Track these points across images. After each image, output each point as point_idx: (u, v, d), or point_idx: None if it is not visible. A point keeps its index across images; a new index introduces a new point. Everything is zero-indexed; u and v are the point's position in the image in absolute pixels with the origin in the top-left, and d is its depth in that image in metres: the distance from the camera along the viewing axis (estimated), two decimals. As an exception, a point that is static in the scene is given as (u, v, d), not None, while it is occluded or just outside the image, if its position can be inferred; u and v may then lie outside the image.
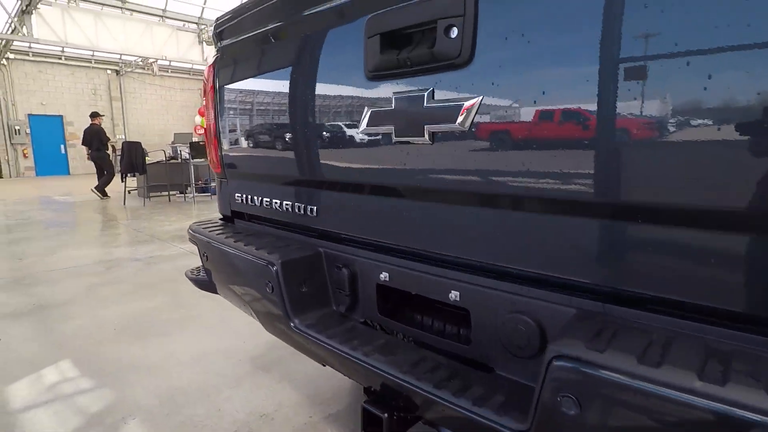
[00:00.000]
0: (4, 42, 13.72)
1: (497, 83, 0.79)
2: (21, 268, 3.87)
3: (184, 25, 15.77)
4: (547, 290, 0.80)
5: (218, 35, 1.53)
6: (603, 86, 0.67)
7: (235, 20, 1.42)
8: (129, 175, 8.19)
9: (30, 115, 15.76)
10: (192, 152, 8.19)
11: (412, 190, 0.99)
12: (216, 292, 1.53)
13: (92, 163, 9.17)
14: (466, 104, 0.83)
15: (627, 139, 0.66)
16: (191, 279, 1.58)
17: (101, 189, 8.70)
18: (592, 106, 0.68)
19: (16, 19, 12.22)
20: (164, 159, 8.82)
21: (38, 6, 11.98)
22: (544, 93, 0.74)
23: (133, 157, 8.03)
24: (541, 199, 0.78)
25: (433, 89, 0.88)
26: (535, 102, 0.75)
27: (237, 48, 1.45)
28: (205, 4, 15.05)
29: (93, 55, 16.41)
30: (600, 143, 0.69)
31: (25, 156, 15.77)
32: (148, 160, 8.49)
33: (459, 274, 0.92)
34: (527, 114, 0.77)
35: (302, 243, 1.27)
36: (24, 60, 15.47)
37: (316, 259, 1.21)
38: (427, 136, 0.89)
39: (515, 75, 0.78)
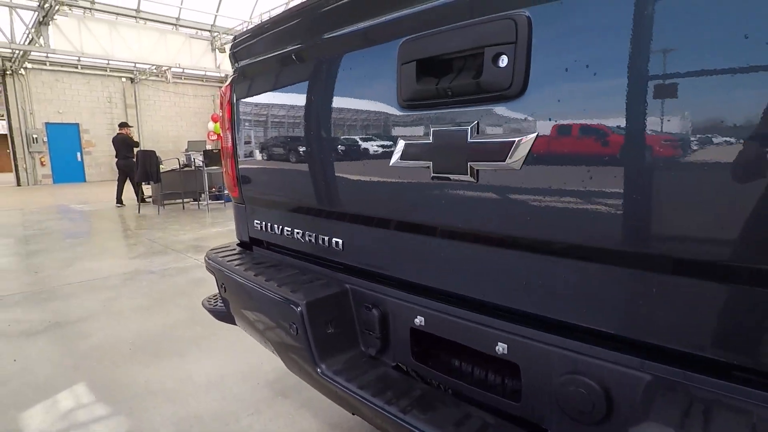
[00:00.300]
0: (21, 53, 13.98)
1: (555, 119, 0.71)
2: (37, 282, 3.87)
3: (197, 32, 15.90)
4: (614, 350, 0.71)
5: (236, 55, 1.46)
6: (692, 122, 0.58)
7: (255, 40, 1.35)
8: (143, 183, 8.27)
9: (47, 124, 16.03)
10: (206, 160, 8.21)
11: (454, 231, 0.90)
12: (234, 324, 1.46)
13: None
14: (518, 141, 0.74)
15: (709, 190, 0.57)
16: (208, 309, 1.51)
17: (141, 197, 8.82)
18: (670, 148, 0.59)
19: (33, 30, 12.43)
20: (178, 167, 8.86)
21: (55, 17, 12.17)
22: (611, 130, 0.65)
23: (148, 165, 8.07)
24: (606, 250, 0.69)
25: (478, 123, 0.79)
26: (600, 141, 0.66)
27: (256, 69, 1.38)
28: (217, 11, 15.16)
29: (108, 64, 16.65)
30: (672, 190, 0.60)
31: (42, 164, 16.04)
32: (162, 168, 8.54)
33: (507, 325, 0.83)
34: (590, 154, 0.68)
35: (327, 278, 1.19)
36: (41, 69, 15.76)
37: (342, 296, 1.13)
38: (470, 173, 0.81)
39: (577, 110, 0.69)
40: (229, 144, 1.52)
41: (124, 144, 9.01)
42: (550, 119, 0.71)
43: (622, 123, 0.64)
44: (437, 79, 0.84)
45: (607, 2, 0.65)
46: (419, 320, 0.98)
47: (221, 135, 1.56)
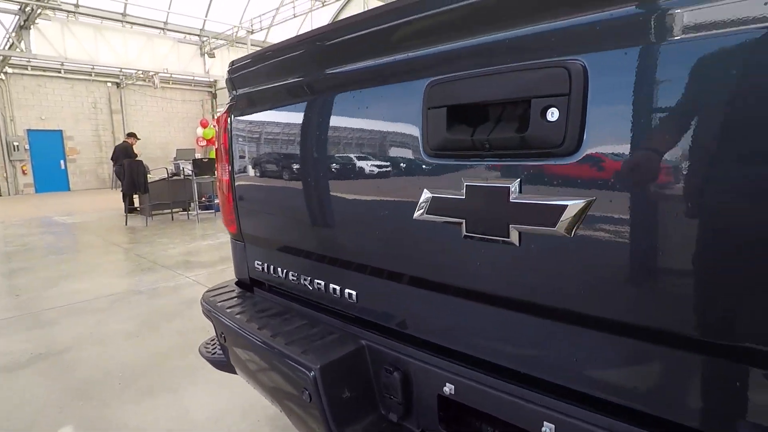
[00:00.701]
0: (1, 58, 13.60)
1: (615, 181, 0.61)
2: (19, 306, 3.68)
3: (185, 37, 15.68)
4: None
5: (233, 81, 1.35)
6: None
7: (256, 68, 1.24)
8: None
9: (29, 131, 15.57)
10: (195, 169, 8.02)
11: (491, 296, 0.80)
12: (235, 374, 1.35)
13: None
14: (570, 205, 0.65)
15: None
16: (207, 359, 1.39)
17: (129, 208, 8.59)
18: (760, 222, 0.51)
19: (13, 34, 12.09)
20: (167, 176, 8.65)
21: (36, 21, 11.86)
22: (681, 197, 0.56)
23: (135, 175, 7.86)
24: (677, 335, 0.60)
25: (521, 181, 0.70)
26: (671, 209, 0.58)
27: (257, 98, 1.27)
28: (206, 16, 14.96)
29: (93, 68, 16.27)
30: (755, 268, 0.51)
31: (24, 173, 15.57)
32: (151, 177, 8.32)
33: (556, 403, 0.74)
34: (658, 224, 0.59)
35: (339, 331, 1.09)
36: (22, 74, 15.32)
37: (358, 354, 1.02)
38: (512, 237, 0.71)
39: (642, 173, 0.59)
40: (226, 177, 1.41)
41: (124, 153, 8.83)
42: (609, 182, 0.62)
43: (694, 189, 0.55)
44: (472, 129, 0.74)
45: (679, 54, 0.56)
46: (448, 388, 0.88)
47: (218, 167, 1.45)
